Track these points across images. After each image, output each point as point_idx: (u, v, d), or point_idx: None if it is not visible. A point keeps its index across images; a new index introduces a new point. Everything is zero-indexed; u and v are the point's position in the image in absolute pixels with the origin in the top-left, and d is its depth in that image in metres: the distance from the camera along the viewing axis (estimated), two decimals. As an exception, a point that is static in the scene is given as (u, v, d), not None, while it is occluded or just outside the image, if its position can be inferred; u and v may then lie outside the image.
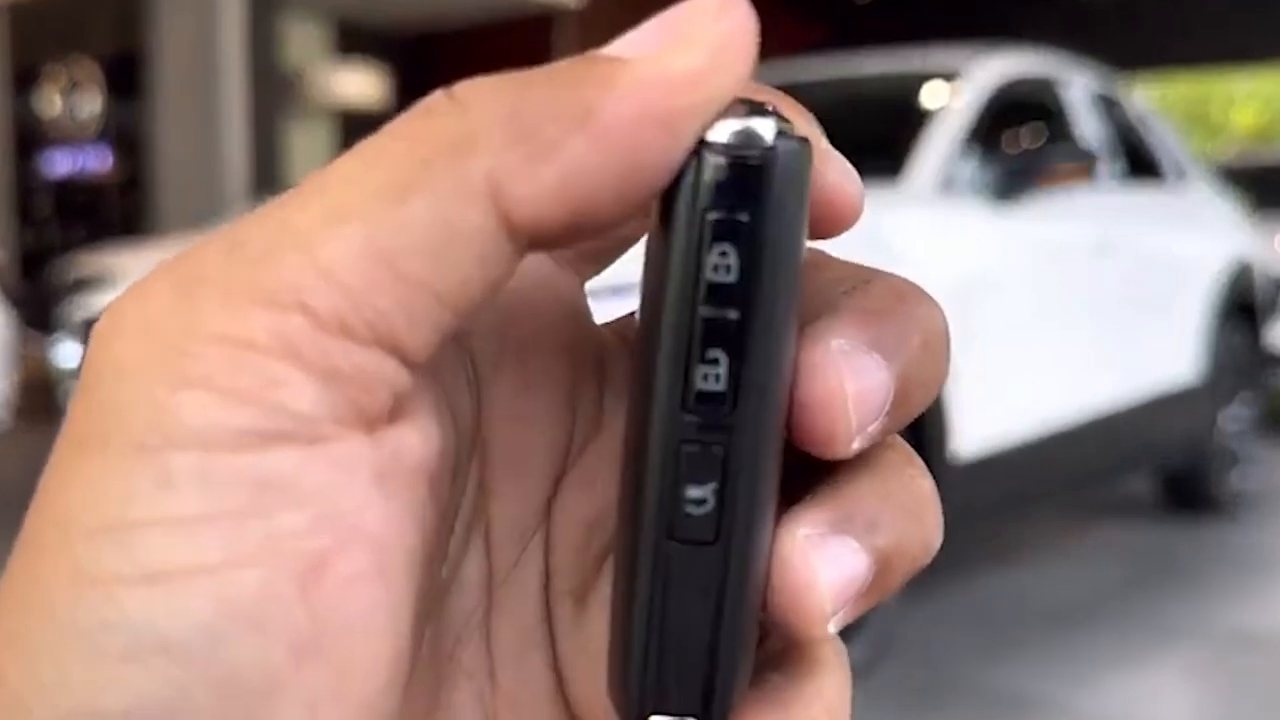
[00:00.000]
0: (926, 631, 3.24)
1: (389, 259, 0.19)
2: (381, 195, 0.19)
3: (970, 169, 3.44)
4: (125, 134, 12.66)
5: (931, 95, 3.65)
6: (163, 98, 11.38)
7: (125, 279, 3.88)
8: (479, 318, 0.24)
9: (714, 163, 0.20)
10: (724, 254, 0.20)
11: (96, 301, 3.06)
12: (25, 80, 12.50)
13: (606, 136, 0.20)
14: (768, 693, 0.23)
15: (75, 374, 3.01)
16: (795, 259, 0.21)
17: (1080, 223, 3.76)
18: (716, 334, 0.21)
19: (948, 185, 3.34)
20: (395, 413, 0.20)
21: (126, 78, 12.22)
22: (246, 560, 0.18)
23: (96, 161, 13.73)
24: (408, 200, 0.19)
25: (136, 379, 0.19)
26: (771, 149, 0.20)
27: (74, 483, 0.19)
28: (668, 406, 0.21)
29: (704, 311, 0.20)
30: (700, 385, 0.21)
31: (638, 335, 0.22)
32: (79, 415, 0.19)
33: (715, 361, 0.21)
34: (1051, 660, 3.12)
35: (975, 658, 3.10)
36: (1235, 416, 4.71)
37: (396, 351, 0.19)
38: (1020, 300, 3.44)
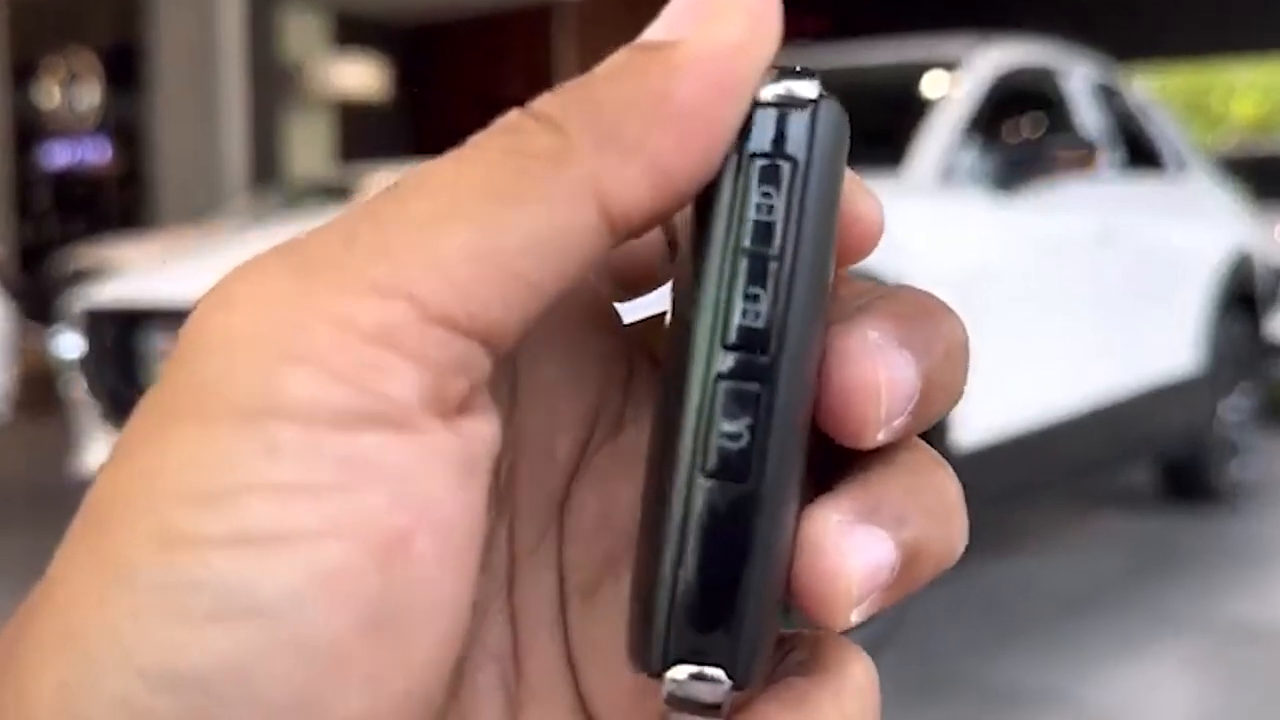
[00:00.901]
0: (926, 622, 3.25)
1: (498, 257, 0.20)
2: (488, 199, 0.21)
3: (971, 159, 3.43)
4: (124, 126, 12.65)
5: (932, 85, 3.65)
6: (162, 90, 11.37)
7: (124, 270, 3.89)
8: None
9: (764, 115, 0.22)
10: (768, 194, 0.22)
11: (95, 291, 3.06)
12: (24, 72, 12.48)
13: (683, 118, 0.21)
14: (788, 694, 0.24)
15: (75, 365, 3.01)
16: (834, 207, 0.22)
17: (1081, 213, 3.76)
18: (759, 272, 0.22)
19: (948, 175, 3.33)
20: (471, 401, 0.21)
21: (125, 70, 12.21)
22: (334, 531, 0.19)
23: (95, 154, 13.72)
24: (516, 205, 0.21)
25: (247, 349, 0.20)
26: (815, 102, 0.22)
27: (167, 448, 0.20)
28: (709, 341, 0.22)
29: (749, 247, 0.22)
30: (740, 320, 0.22)
31: (679, 280, 0.23)
32: (175, 384, 0.20)
33: (756, 299, 0.22)
34: (1052, 650, 3.12)
35: (975, 648, 3.10)
36: (1235, 407, 4.71)
37: (489, 342, 0.21)
38: (1021, 290, 3.43)
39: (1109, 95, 4.44)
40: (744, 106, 0.22)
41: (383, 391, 0.20)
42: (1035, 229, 3.54)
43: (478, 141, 0.22)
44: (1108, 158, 4.09)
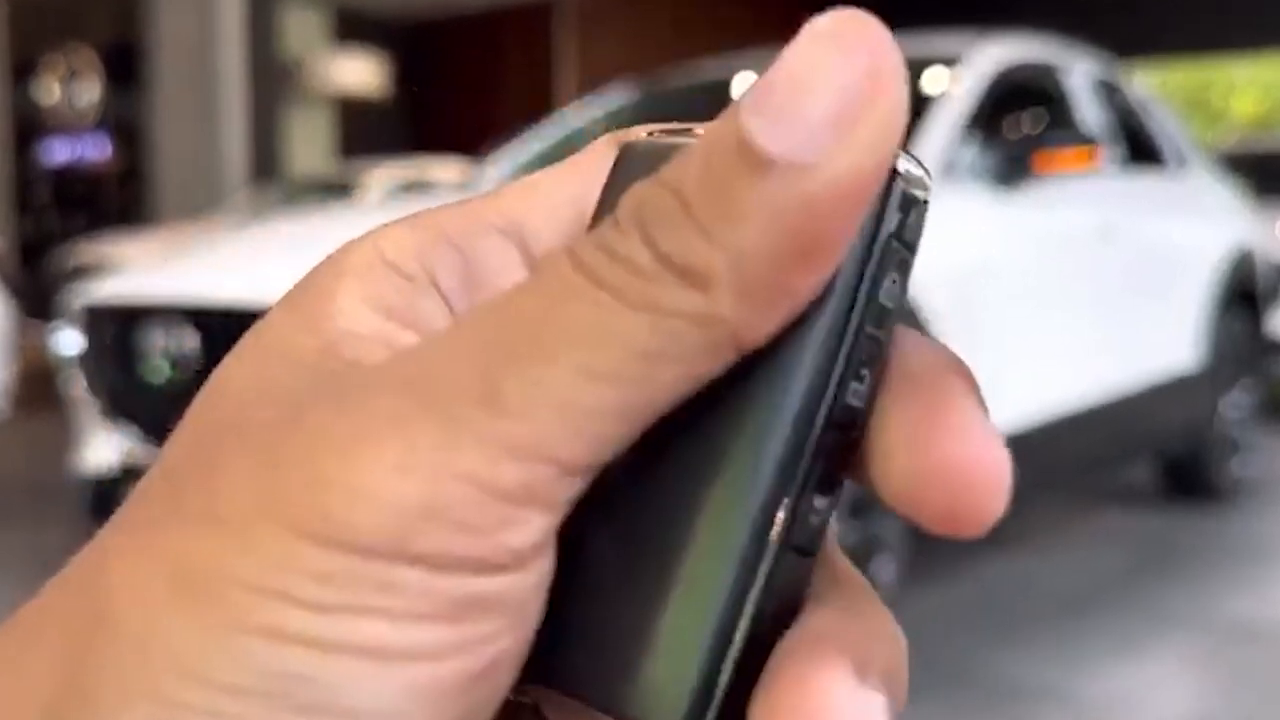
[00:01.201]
0: (926, 619, 3.24)
1: (637, 415, 0.21)
2: (632, 362, 0.20)
3: (971, 155, 3.43)
4: (124, 123, 12.65)
5: (932, 81, 3.64)
6: (161, 86, 11.36)
7: (124, 267, 3.89)
8: None
9: (895, 199, 0.22)
10: (894, 281, 0.22)
11: (95, 288, 3.05)
12: (24, 69, 12.48)
13: (823, 253, 0.20)
14: None
15: (74, 362, 3.01)
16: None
17: (1081, 209, 3.76)
18: (874, 355, 0.22)
19: (948, 171, 3.33)
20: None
21: (125, 67, 12.21)
22: (444, 656, 0.21)
23: (95, 150, 13.71)
24: (663, 366, 0.21)
25: (384, 502, 0.20)
26: (928, 190, 0.22)
27: (286, 560, 0.20)
28: (823, 416, 0.22)
29: (871, 332, 0.22)
30: (849, 400, 0.22)
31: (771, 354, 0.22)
32: (294, 502, 0.20)
33: (863, 379, 0.22)
34: (1052, 648, 3.12)
35: (975, 645, 3.10)
36: (1236, 404, 4.71)
37: (594, 470, 0.21)
38: (1021, 287, 3.43)
39: (1110, 91, 4.44)
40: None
41: (511, 545, 0.21)
42: (1035, 225, 3.53)
43: (617, 284, 0.21)
44: (1108, 154, 4.08)
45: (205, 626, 0.20)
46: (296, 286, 0.25)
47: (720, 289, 0.20)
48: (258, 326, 0.24)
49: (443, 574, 0.20)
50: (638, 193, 0.21)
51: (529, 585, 0.21)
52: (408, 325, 0.24)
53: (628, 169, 0.24)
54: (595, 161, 0.26)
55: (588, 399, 0.20)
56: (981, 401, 0.23)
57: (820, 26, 0.20)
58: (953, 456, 0.21)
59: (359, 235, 0.25)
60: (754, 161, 0.20)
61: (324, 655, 0.20)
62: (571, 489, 0.21)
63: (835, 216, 0.20)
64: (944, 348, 0.23)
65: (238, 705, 0.19)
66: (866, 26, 0.20)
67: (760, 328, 0.21)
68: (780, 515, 0.22)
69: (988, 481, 0.21)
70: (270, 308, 0.25)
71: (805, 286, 0.21)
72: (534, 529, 0.21)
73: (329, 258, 0.25)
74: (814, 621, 0.22)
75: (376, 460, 0.20)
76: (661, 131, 0.25)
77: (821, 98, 0.20)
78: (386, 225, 0.25)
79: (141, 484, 0.23)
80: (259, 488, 0.21)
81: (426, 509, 0.20)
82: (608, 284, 0.21)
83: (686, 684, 0.21)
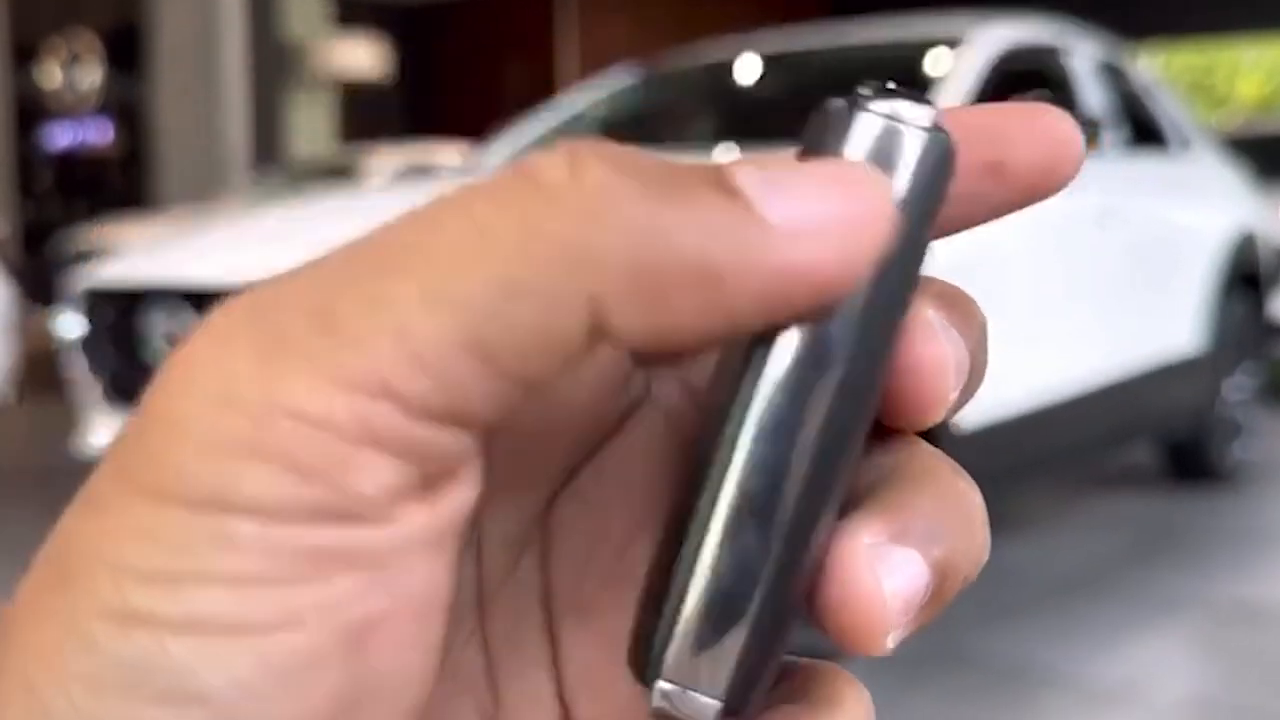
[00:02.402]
0: (929, 602, 3.25)
1: (485, 351, 0.18)
2: (488, 286, 0.18)
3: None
4: (126, 107, 12.64)
5: (934, 63, 3.63)
6: (163, 70, 11.34)
7: (126, 251, 3.89)
8: None
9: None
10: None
11: (96, 270, 3.06)
12: (26, 53, 12.46)
13: (730, 311, 0.19)
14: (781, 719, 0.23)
15: (76, 345, 3.01)
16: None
17: (1083, 192, 3.75)
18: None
19: (951, 155, 3.32)
20: (448, 473, 0.20)
21: (127, 51, 12.19)
22: (296, 623, 0.18)
23: (97, 134, 13.70)
24: (514, 299, 0.18)
25: (205, 440, 0.18)
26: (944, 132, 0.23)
27: (124, 519, 0.19)
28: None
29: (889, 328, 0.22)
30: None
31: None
32: (136, 458, 0.19)
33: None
34: (1053, 630, 3.12)
35: (977, 628, 3.11)
36: (1238, 387, 4.71)
37: (471, 426, 0.19)
38: (1023, 270, 3.43)
39: (1113, 74, 4.42)
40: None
41: (355, 488, 0.18)
42: (1037, 208, 3.51)
43: (504, 186, 0.19)
44: (1111, 136, 4.08)
45: (65, 614, 0.19)
46: None
47: (615, 230, 0.18)
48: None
49: (280, 523, 0.18)
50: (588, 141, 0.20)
51: (394, 539, 0.19)
52: None
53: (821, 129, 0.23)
54: None
55: (428, 325, 0.18)
56: (940, 307, 0.24)
57: (850, 167, 0.20)
58: (900, 360, 0.22)
59: None
60: (729, 191, 0.19)
61: (168, 635, 0.18)
62: (440, 437, 0.19)
63: (753, 284, 0.19)
64: (936, 280, 0.24)
65: (95, 699, 0.18)
66: (886, 190, 0.20)
67: (628, 320, 0.19)
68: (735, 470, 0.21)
69: (935, 378, 0.23)
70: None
71: (686, 318, 0.19)
72: (383, 473, 0.18)
73: None
74: (868, 497, 0.22)
75: (197, 387, 0.19)
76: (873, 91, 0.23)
77: (821, 201, 0.20)
78: None
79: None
80: (115, 447, 0.19)
81: (252, 447, 0.18)
82: (500, 196, 0.19)
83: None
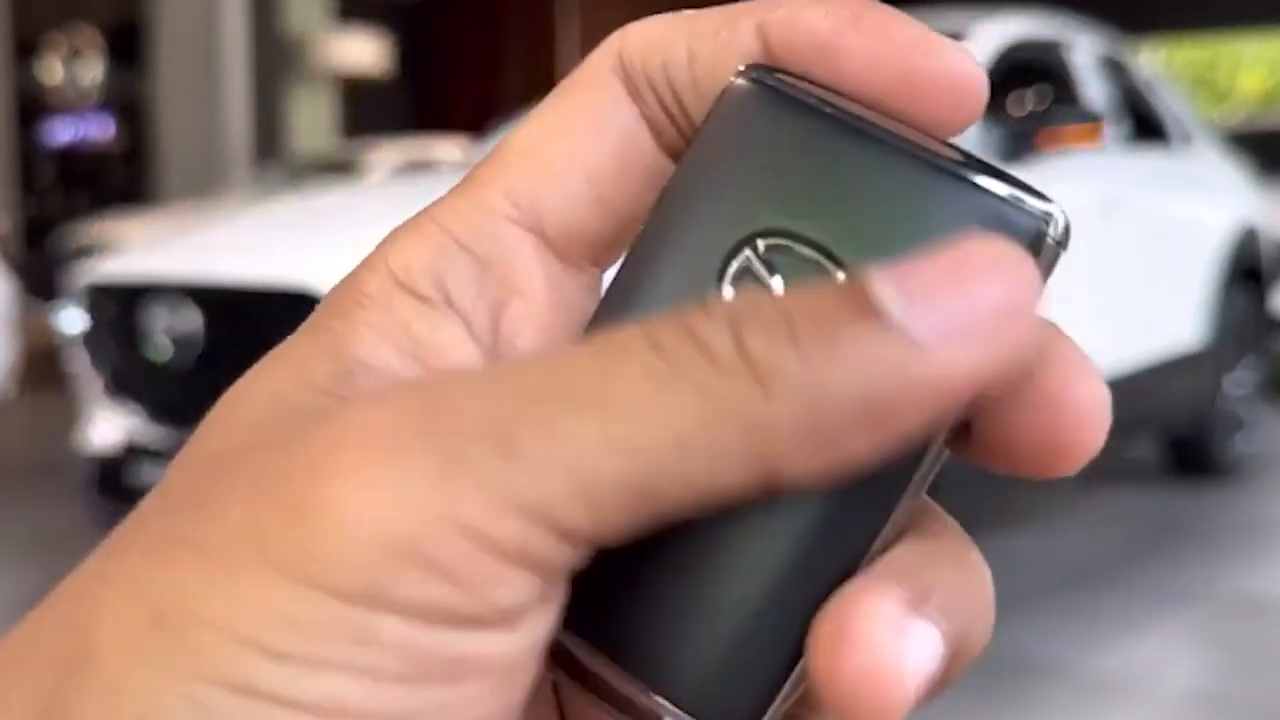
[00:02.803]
0: (930, 596, 3.25)
1: (650, 497, 0.19)
2: (665, 441, 0.19)
3: (975, 132, 3.42)
4: (127, 102, 12.64)
5: (936, 58, 3.62)
6: (164, 66, 11.34)
7: (128, 246, 3.89)
8: None
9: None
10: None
11: (98, 266, 3.06)
12: (27, 48, 12.46)
13: (889, 437, 0.20)
14: None
15: (78, 340, 3.01)
16: None
17: (1086, 186, 3.75)
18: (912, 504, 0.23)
19: (952, 149, 3.32)
20: (562, 582, 0.21)
21: (128, 46, 12.19)
22: (417, 718, 0.19)
23: (98, 129, 13.70)
24: (688, 456, 0.19)
25: (368, 538, 0.19)
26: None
27: (258, 598, 0.19)
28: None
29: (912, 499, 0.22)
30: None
31: None
32: (280, 537, 0.19)
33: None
34: (1055, 623, 3.12)
35: (979, 622, 3.11)
36: (1240, 381, 4.71)
37: (595, 545, 0.20)
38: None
39: (1115, 68, 4.42)
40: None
41: (498, 602, 0.19)
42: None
43: (682, 361, 0.20)
44: (1113, 131, 4.07)
45: (172, 673, 0.19)
46: (318, 310, 0.24)
47: (783, 399, 0.19)
48: (279, 347, 0.23)
49: (424, 626, 0.19)
50: (744, 297, 0.21)
51: (519, 646, 0.20)
52: (420, 358, 0.23)
53: (734, 122, 0.23)
54: (601, 107, 0.24)
55: (603, 467, 0.19)
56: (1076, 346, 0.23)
57: (985, 247, 0.20)
58: (1066, 394, 0.22)
59: (373, 251, 0.24)
60: (872, 315, 0.19)
61: (284, 712, 0.19)
62: (563, 558, 0.20)
63: (923, 406, 0.19)
64: None
65: None
66: (1029, 268, 0.20)
67: (800, 466, 0.19)
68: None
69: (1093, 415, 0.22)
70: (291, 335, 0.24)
71: (860, 450, 0.19)
72: (523, 589, 0.19)
73: (346, 279, 0.24)
74: (882, 560, 0.22)
75: (366, 491, 0.19)
76: (758, 68, 0.23)
77: (966, 297, 0.19)
78: (397, 236, 0.24)
79: (141, 504, 0.22)
80: (246, 516, 0.19)
81: (413, 552, 0.19)
82: (671, 358, 0.19)
83: (749, 691, 0.22)
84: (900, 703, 0.20)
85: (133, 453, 2.76)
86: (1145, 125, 4.49)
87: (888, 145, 0.22)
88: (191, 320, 2.61)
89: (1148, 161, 4.36)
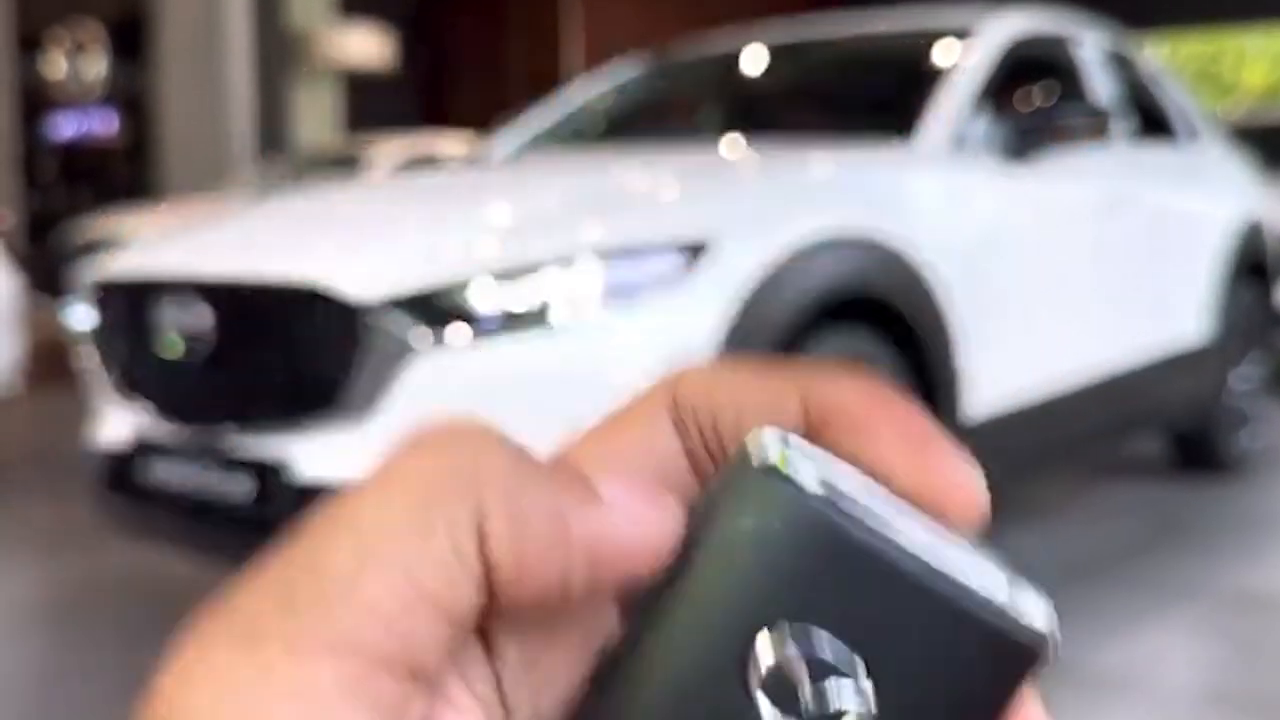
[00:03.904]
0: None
1: (419, 590, 0.22)
2: (406, 532, 0.22)
3: (982, 128, 3.42)
4: (131, 97, 12.63)
5: (943, 53, 3.63)
6: (168, 60, 11.33)
7: (132, 241, 3.88)
8: None
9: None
10: None
11: (107, 262, 3.06)
12: (31, 43, 12.45)
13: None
14: None
15: (88, 336, 3.02)
16: None
17: (1091, 182, 3.75)
18: None
19: (959, 144, 3.32)
20: (436, 712, 0.23)
21: (132, 41, 12.18)
22: None
23: (102, 124, 13.70)
24: (431, 536, 0.22)
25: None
26: None
27: None
28: None
29: None
30: None
31: None
32: None
33: None
34: (1060, 618, 3.12)
35: (985, 617, 3.12)
36: (1245, 376, 4.71)
37: (421, 676, 0.22)
38: (1031, 259, 3.43)
39: (1120, 63, 4.42)
40: None
41: None
42: (1046, 198, 3.53)
43: (404, 468, 0.23)
44: (1119, 126, 4.07)
45: None
46: None
47: (493, 505, 0.23)
48: None
49: None
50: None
51: None
52: None
53: (739, 490, 0.24)
54: (652, 442, 0.27)
55: (368, 581, 0.22)
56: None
57: None
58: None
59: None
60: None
61: None
62: (395, 691, 0.22)
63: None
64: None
65: None
66: None
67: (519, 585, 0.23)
68: None
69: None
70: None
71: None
72: None
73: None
74: None
75: (190, 689, 0.22)
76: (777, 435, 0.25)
77: None
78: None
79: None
80: None
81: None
82: (397, 468, 0.24)
83: None
84: None
85: (142, 449, 2.77)
86: (1151, 120, 4.49)
87: (897, 559, 0.24)
88: (202, 317, 2.61)
89: (1153, 157, 4.36)
